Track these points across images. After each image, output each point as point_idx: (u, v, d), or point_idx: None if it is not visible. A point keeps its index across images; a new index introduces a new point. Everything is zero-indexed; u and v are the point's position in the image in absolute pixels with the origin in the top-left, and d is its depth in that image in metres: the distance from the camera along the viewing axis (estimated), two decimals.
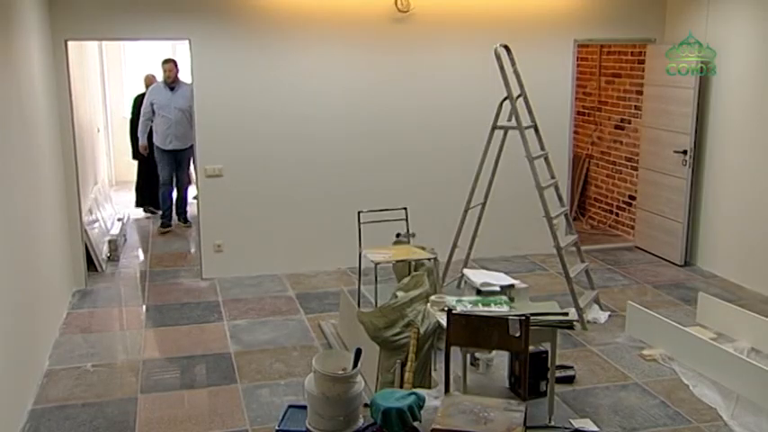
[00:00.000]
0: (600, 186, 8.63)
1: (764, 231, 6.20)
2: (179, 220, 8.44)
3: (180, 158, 8.15)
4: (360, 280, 5.84)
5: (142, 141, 8.22)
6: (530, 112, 5.77)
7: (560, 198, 6.03)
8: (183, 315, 5.77)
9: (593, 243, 7.73)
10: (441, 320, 4.01)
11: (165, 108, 7.89)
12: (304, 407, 3.84)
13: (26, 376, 4.33)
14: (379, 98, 6.72)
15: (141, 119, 8.12)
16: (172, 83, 7.88)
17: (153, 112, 7.97)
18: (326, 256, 6.81)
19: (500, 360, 4.66)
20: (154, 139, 8.07)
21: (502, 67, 5.48)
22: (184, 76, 8.01)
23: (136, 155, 8.72)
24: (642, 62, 7.52)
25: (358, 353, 3.73)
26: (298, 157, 6.64)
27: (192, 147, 7.36)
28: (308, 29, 6.44)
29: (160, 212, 8.41)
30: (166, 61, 7.98)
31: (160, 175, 8.17)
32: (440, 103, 6.84)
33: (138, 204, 9.04)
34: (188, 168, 8.29)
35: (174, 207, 8.41)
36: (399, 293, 4.36)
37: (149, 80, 8.71)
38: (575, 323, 5.12)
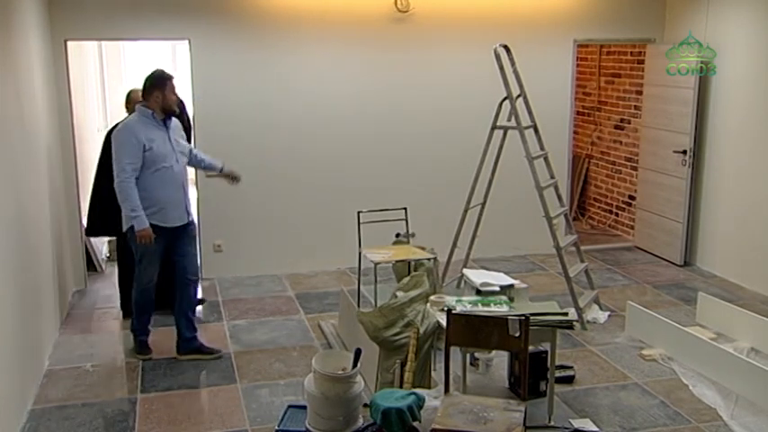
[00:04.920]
0: (600, 186, 8.63)
1: (764, 231, 6.20)
2: (185, 350, 5.03)
3: (188, 234, 4.98)
4: (360, 280, 5.83)
5: (141, 225, 4.60)
6: (529, 112, 5.78)
7: (560, 198, 6.03)
8: None
9: (592, 243, 7.73)
10: (440, 320, 4.01)
11: (169, 155, 4.72)
12: (304, 407, 3.84)
13: (26, 376, 4.33)
14: (379, 98, 6.72)
15: (122, 177, 4.56)
16: (170, 112, 4.78)
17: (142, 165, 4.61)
18: (326, 256, 6.81)
19: (500, 360, 4.66)
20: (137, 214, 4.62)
21: (502, 67, 5.48)
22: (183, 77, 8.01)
23: (98, 230, 5.60)
24: (642, 62, 7.52)
25: (358, 353, 3.73)
26: (297, 157, 6.64)
27: None
28: (308, 29, 6.44)
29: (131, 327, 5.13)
30: (168, 78, 4.74)
31: (143, 272, 4.88)
32: (439, 103, 6.84)
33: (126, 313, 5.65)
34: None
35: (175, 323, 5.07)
36: (399, 293, 4.36)
37: (136, 100, 5.17)
38: (574, 323, 5.14)
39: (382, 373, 4.18)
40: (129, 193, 4.57)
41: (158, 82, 4.70)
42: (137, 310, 5.06)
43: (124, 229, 4.78)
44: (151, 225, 4.65)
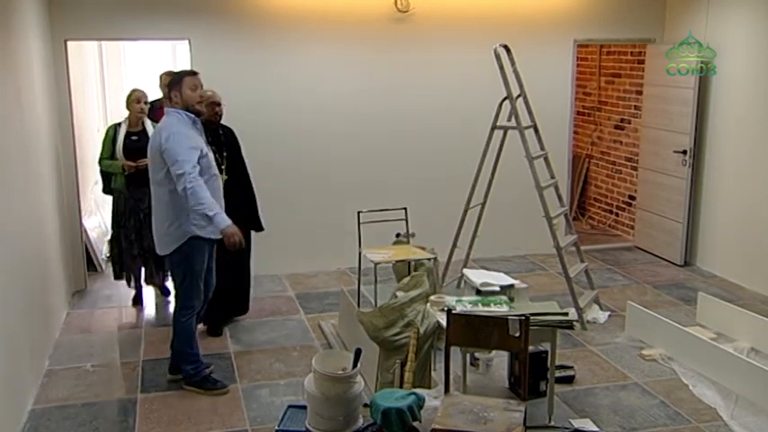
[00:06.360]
0: (600, 186, 8.63)
1: (764, 231, 6.20)
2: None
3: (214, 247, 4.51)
4: (360, 280, 5.83)
5: (226, 222, 4.09)
6: (529, 112, 5.78)
7: (560, 198, 6.03)
8: None
9: (592, 243, 7.73)
10: (440, 320, 4.01)
11: (214, 162, 4.37)
12: (304, 407, 3.84)
13: (26, 376, 4.33)
14: (379, 98, 6.72)
15: (194, 183, 3.99)
16: (194, 113, 4.26)
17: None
18: (326, 256, 6.81)
19: (500, 360, 4.66)
20: (187, 228, 4.21)
21: (502, 67, 5.48)
22: None
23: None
24: (642, 62, 7.52)
25: (358, 353, 3.73)
26: (297, 157, 6.64)
27: None
28: (308, 29, 6.44)
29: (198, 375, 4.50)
30: (184, 74, 4.30)
31: (194, 294, 4.37)
32: (440, 103, 6.84)
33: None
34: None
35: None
36: (399, 293, 4.36)
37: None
38: (574, 323, 5.13)
39: (382, 373, 4.18)
40: (202, 193, 3.99)
41: (173, 81, 4.24)
42: (189, 341, 4.43)
43: (166, 251, 4.27)
44: (204, 239, 4.22)
